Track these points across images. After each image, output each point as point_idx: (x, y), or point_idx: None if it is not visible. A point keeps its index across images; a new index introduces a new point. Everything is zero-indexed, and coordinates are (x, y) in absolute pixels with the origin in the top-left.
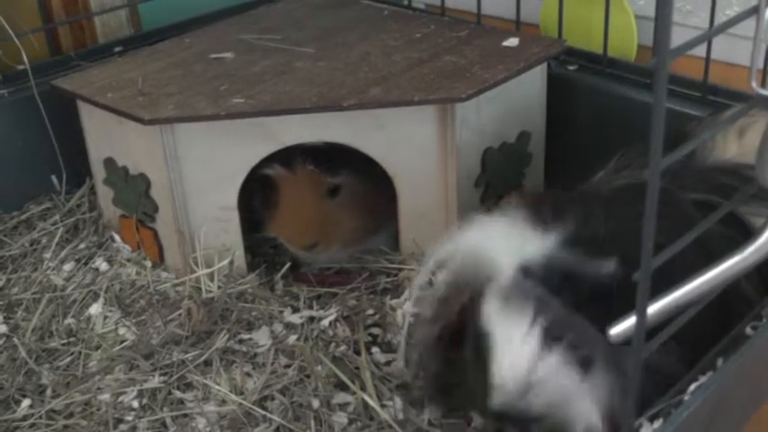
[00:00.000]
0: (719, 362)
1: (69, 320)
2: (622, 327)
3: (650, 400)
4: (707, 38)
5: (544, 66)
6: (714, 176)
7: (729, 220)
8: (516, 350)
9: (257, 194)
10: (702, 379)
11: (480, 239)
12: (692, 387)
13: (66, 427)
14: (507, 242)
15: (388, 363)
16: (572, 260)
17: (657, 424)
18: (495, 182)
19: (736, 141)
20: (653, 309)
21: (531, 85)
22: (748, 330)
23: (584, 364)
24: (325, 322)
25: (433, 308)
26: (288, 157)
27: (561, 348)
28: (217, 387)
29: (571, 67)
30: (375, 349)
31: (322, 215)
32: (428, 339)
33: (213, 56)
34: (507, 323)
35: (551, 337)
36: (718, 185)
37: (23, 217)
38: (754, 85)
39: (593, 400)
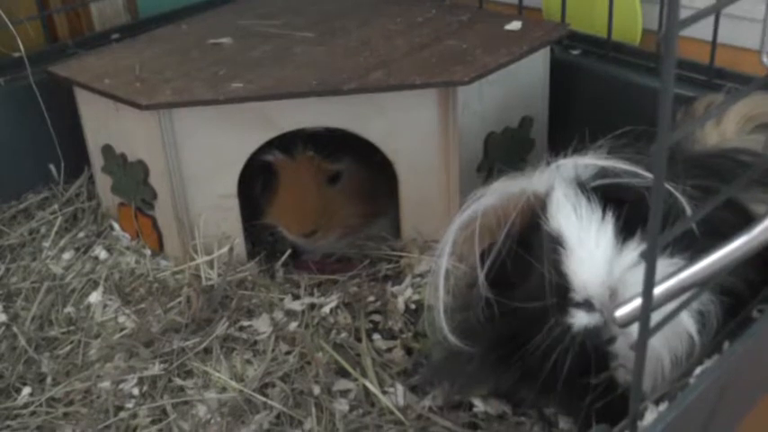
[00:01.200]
0: (725, 345)
1: (69, 309)
2: (628, 308)
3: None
4: (717, 9)
5: (547, 50)
6: (706, 161)
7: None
8: (593, 249)
9: (257, 181)
10: (708, 362)
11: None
12: (698, 370)
13: (66, 414)
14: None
15: (389, 349)
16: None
17: (663, 407)
18: (497, 167)
19: (715, 129)
20: (659, 290)
21: (534, 70)
22: (754, 314)
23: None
24: (326, 309)
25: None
26: (288, 143)
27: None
28: (217, 374)
29: (574, 52)
30: (376, 336)
31: (322, 202)
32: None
33: (211, 41)
34: (580, 224)
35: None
36: (712, 169)
37: (22, 206)
38: (765, 59)
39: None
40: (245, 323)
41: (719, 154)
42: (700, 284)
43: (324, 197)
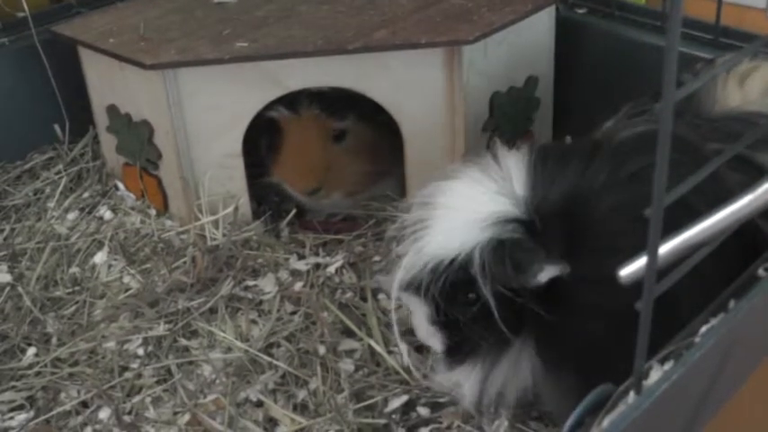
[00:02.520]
0: (731, 303)
1: (74, 269)
2: (633, 267)
3: None
4: None
5: (552, 9)
6: (727, 125)
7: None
8: None
9: (262, 139)
10: (713, 321)
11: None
12: (704, 329)
13: (71, 375)
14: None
15: (396, 308)
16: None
17: (668, 365)
18: (502, 126)
19: (738, 90)
20: (664, 249)
21: (539, 29)
22: (760, 272)
23: None
24: (332, 269)
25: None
26: (293, 100)
27: None
28: (222, 334)
29: (580, 11)
30: (381, 296)
31: (326, 159)
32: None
33: (216, 0)
34: None
35: None
36: (732, 134)
37: (27, 167)
38: None
39: None
40: (251, 283)
41: (743, 117)
42: (705, 243)
43: (328, 155)
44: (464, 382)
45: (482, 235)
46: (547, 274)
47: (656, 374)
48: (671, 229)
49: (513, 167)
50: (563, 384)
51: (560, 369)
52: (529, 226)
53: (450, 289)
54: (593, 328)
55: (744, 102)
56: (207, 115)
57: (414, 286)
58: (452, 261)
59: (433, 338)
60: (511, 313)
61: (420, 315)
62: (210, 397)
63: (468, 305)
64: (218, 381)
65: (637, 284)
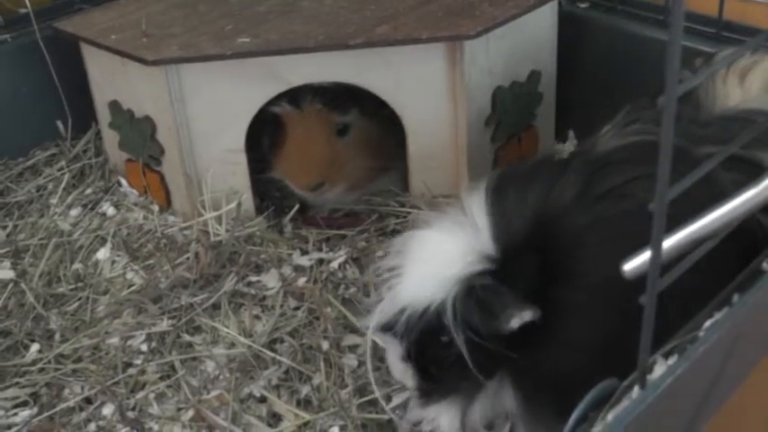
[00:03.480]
0: (735, 297)
1: (77, 265)
2: (637, 261)
3: None
4: None
5: (555, 3)
6: (724, 126)
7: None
8: None
9: (265, 136)
10: (718, 315)
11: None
12: (708, 323)
13: (74, 371)
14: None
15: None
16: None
17: (672, 360)
18: (505, 121)
19: (739, 86)
20: (668, 243)
21: (542, 24)
22: (764, 266)
23: None
24: (335, 264)
25: None
26: (296, 95)
27: None
28: (225, 330)
29: (582, 5)
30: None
31: (329, 154)
32: None
33: None
34: None
35: None
36: (729, 135)
37: (29, 163)
38: None
39: None
40: (254, 279)
41: (743, 117)
42: (708, 238)
43: (331, 149)
44: (440, 418)
45: (453, 286)
46: (518, 320)
47: (660, 369)
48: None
49: (475, 204)
50: (542, 418)
51: (539, 403)
52: (498, 264)
53: (424, 336)
54: (570, 358)
55: (744, 98)
56: (209, 111)
57: (389, 330)
58: (425, 310)
59: (408, 378)
60: (485, 357)
61: (394, 354)
62: (214, 393)
63: (441, 349)
64: (221, 376)
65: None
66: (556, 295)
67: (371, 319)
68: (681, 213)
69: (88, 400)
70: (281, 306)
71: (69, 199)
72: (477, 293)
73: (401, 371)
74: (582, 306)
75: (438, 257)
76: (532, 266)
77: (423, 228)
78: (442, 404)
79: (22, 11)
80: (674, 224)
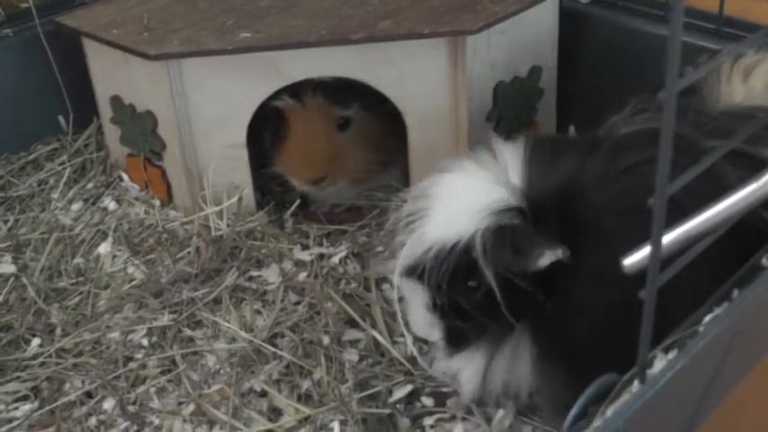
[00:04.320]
0: (735, 293)
1: (78, 260)
2: (637, 256)
3: None
4: None
5: None
6: (729, 122)
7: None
8: None
9: (266, 130)
10: (717, 310)
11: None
12: (707, 318)
13: (75, 365)
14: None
15: (399, 299)
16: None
17: (672, 355)
18: (506, 116)
19: (743, 84)
20: (668, 238)
21: (543, 19)
22: (764, 262)
23: None
24: (336, 259)
25: None
26: (297, 89)
27: None
28: (226, 325)
29: (583, 1)
30: (386, 286)
31: (330, 148)
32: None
33: None
34: None
35: None
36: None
37: (31, 158)
38: None
39: None
40: (255, 273)
41: (740, 113)
42: (708, 233)
43: (333, 144)
44: (464, 370)
45: (482, 221)
46: (547, 258)
47: (660, 363)
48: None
49: (510, 159)
50: (556, 378)
51: (554, 362)
52: (526, 214)
53: (452, 274)
54: (584, 321)
55: (747, 96)
56: (211, 106)
57: (415, 272)
58: (454, 246)
59: (431, 328)
60: (510, 300)
61: (418, 304)
62: (215, 387)
63: (469, 291)
64: (222, 371)
65: (631, 277)
66: (575, 259)
67: (397, 263)
68: (688, 206)
69: (89, 395)
70: (282, 301)
71: (70, 193)
72: (506, 230)
73: (424, 322)
74: (600, 271)
75: (467, 195)
76: (556, 225)
77: (448, 172)
78: (466, 354)
79: (24, 5)
80: (679, 216)
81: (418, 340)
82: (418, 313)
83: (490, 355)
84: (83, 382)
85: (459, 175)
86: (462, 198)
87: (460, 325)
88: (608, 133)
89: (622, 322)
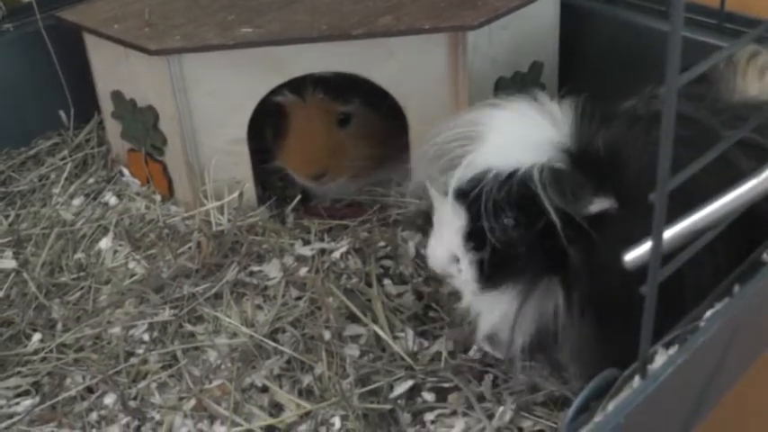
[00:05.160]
0: (736, 288)
1: (79, 255)
2: (638, 251)
3: None
4: None
5: None
6: (746, 112)
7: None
8: None
9: (267, 126)
10: (718, 305)
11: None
12: (708, 313)
13: (76, 360)
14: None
15: (399, 294)
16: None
17: (673, 350)
18: None
19: (758, 81)
20: (669, 233)
21: (544, 14)
22: (765, 257)
23: None
24: (337, 254)
25: None
26: (298, 85)
27: None
28: (228, 320)
29: None
30: (387, 281)
31: (331, 144)
32: None
33: None
34: None
35: None
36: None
37: (31, 152)
38: None
39: None
40: (256, 268)
41: (757, 105)
42: (709, 228)
43: (333, 139)
44: (490, 310)
45: (540, 156)
46: (597, 206)
47: (661, 359)
48: (686, 207)
49: (560, 111)
50: (583, 333)
51: (584, 316)
52: (577, 161)
53: (504, 202)
54: (615, 280)
55: (763, 92)
56: (212, 101)
57: (468, 195)
58: (512, 174)
59: (452, 263)
60: (554, 241)
61: (451, 232)
62: (216, 382)
63: (518, 224)
64: (223, 366)
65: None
66: (613, 216)
67: (450, 183)
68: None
69: (90, 390)
70: (283, 296)
71: (72, 188)
72: (562, 170)
73: (447, 255)
74: (629, 235)
75: (522, 129)
76: (600, 179)
77: (501, 107)
78: (498, 291)
79: (25, 0)
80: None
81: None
82: (446, 243)
83: (523, 296)
84: (84, 378)
85: (510, 110)
86: (517, 131)
87: (494, 261)
88: (646, 107)
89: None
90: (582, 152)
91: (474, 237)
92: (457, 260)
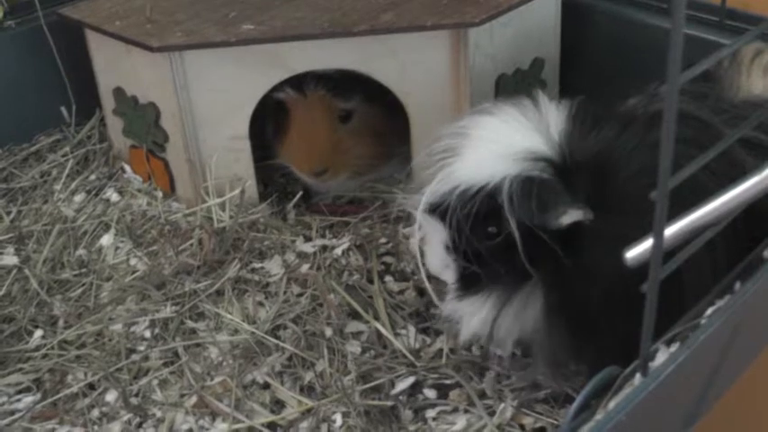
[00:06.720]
0: (737, 285)
1: (80, 252)
2: (639, 249)
3: None
4: None
5: None
6: (749, 111)
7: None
8: None
9: (269, 123)
10: (720, 303)
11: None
12: (710, 311)
13: (78, 357)
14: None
15: (401, 291)
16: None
17: (674, 347)
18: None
19: (762, 79)
20: (670, 231)
21: (545, 11)
22: (766, 254)
23: None
24: (338, 251)
25: None
26: (300, 82)
27: None
28: (229, 316)
29: None
30: (388, 278)
31: (333, 140)
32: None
33: None
34: None
35: None
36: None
37: (33, 149)
38: None
39: None
40: (257, 265)
41: (760, 103)
42: (711, 225)
43: (335, 136)
44: (471, 316)
45: (513, 168)
46: (569, 217)
47: (662, 356)
48: (688, 205)
49: (553, 113)
50: (559, 336)
51: (561, 319)
52: (558, 169)
53: (475, 216)
54: (598, 285)
55: (766, 90)
56: (213, 98)
57: (439, 210)
58: (481, 189)
59: (446, 269)
60: (529, 251)
61: (437, 243)
62: (217, 379)
63: (489, 237)
64: (224, 363)
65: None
66: (601, 222)
67: (422, 199)
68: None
69: (91, 387)
70: (285, 293)
71: (73, 185)
72: (535, 182)
73: (440, 261)
74: (621, 238)
75: (502, 138)
76: (586, 186)
77: (488, 113)
78: (478, 298)
79: None
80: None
81: (420, 333)
82: (435, 252)
83: (501, 304)
84: (85, 374)
85: (497, 118)
86: (497, 141)
87: (475, 269)
88: (644, 108)
89: (635, 294)
90: (565, 160)
91: (453, 248)
92: (447, 266)
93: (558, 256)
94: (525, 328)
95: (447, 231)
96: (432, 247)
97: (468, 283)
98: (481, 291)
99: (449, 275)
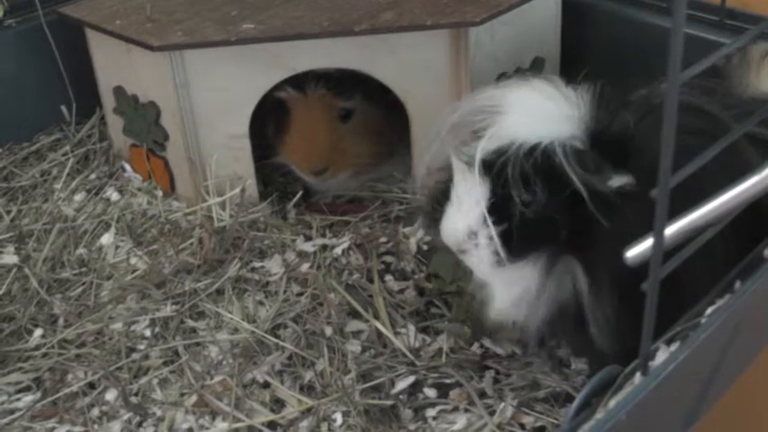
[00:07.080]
0: (737, 284)
1: (81, 250)
2: (639, 248)
3: None
4: None
5: None
6: (756, 107)
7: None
8: None
9: (269, 121)
10: (720, 302)
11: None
12: (710, 310)
13: (78, 356)
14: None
15: (401, 290)
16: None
17: (674, 347)
18: None
19: None
20: (670, 230)
21: (546, 10)
22: (766, 253)
23: None
24: (338, 250)
25: None
26: (300, 81)
27: None
28: (229, 315)
29: None
30: (388, 277)
31: (333, 139)
32: None
33: None
34: None
35: None
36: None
37: (33, 148)
38: None
39: None
40: (257, 264)
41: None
42: (711, 225)
43: (335, 134)
44: (506, 287)
45: (560, 131)
46: (619, 180)
47: (662, 355)
48: (697, 199)
49: (577, 95)
50: (603, 307)
51: (601, 291)
52: (595, 142)
53: (530, 172)
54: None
55: None
56: (214, 97)
57: (489, 164)
58: (535, 146)
59: (467, 236)
60: (568, 220)
61: (472, 202)
62: (217, 378)
63: (540, 193)
64: (224, 362)
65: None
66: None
67: (476, 152)
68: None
69: (91, 386)
70: (285, 292)
71: (73, 184)
72: (582, 146)
73: (463, 226)
74: (639, 217)
75: (543, 105)
76: (615, 160)
77: (520, 85)
78: (521, 265)
79: None
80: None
81: (420, 332)
82: (463, 216)
83: (544, 272)
84: (85, 373)
85: (533, 88)
86: (539, 107)
87: (519, 232)
88: (659, 97)
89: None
90: (600, 133)
91: (497, 208)
92: (474, 235)
93: (595, 226)
94: (563, 300)
95: (492, 190)
96: (460, 211)
97: (512, 248)
98: (525, 256)
99: (467, 244)
